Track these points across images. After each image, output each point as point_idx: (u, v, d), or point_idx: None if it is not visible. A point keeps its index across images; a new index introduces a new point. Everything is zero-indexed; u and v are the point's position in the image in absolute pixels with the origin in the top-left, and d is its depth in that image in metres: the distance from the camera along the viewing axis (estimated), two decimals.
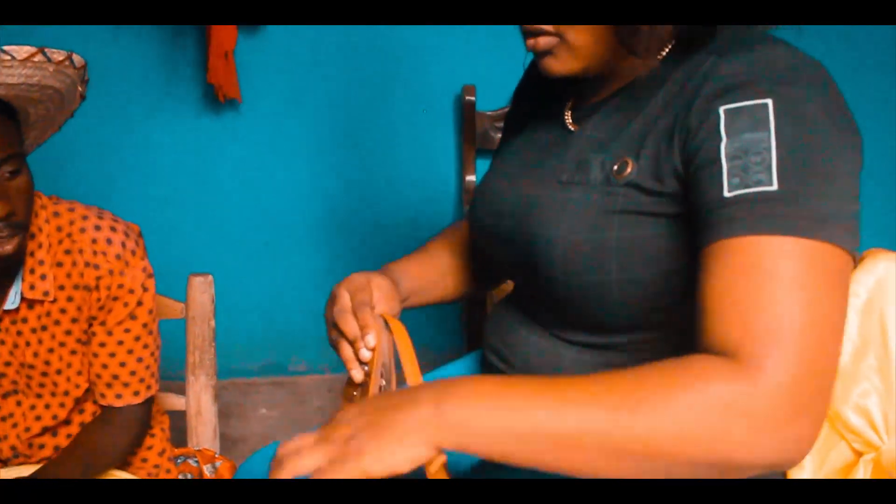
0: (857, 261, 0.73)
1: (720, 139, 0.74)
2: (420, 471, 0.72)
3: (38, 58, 1.01)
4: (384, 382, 0.91)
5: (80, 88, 1.13)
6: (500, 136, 1.17)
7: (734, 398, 0.65)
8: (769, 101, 0.73)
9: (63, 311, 1.19)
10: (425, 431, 0.69)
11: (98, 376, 1.23)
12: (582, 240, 0.84)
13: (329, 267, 2.45)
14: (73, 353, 1.22)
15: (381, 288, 0.98)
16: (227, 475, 1.38)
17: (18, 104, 1.08)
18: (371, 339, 0.88)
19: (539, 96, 1.04)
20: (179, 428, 1.44)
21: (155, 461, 1.35)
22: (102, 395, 1.24)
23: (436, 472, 0.70)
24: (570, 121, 0.95)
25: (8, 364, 1.21)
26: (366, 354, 0.88)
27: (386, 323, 0.94)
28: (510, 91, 1.15)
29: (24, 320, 1.19)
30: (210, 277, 1.38)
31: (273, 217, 2.44)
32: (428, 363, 1.05)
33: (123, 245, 1.19)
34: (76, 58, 1.07)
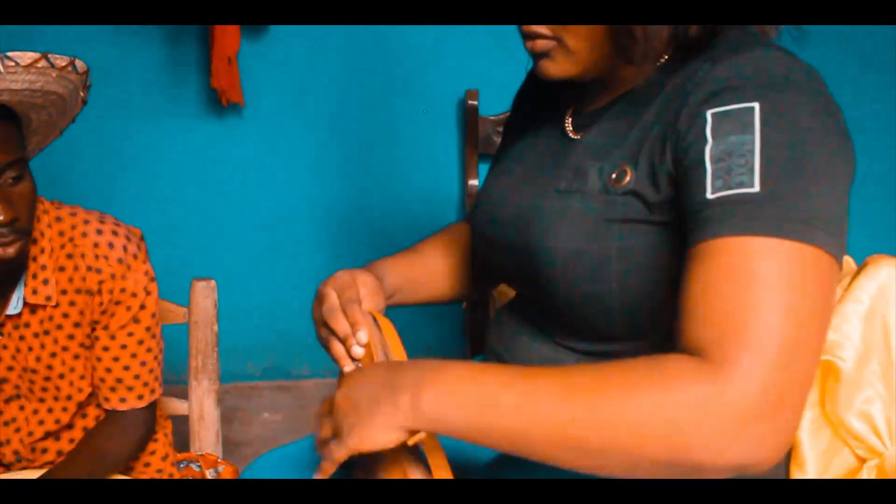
0: (842, 266, 0.72)
1: (706, 142, 0.74)
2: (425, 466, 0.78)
3: (42, 63, 1.02)
4: None
5: (82, 93, 1.14)
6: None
7: (700, 398, 0.64)
8: (756, 105, 0.73)
9: (65, 315, 1.19)
10: (401, 421, 0.74)
11: (101, 380, 1.24)
12: (582, 249, 0.83)
13: (332, 271, 2.42)
14: (76, 357, 1.22)
15: (366, 284, 0.99)
16: None
17: (21, 110, 1.08)
18: (363, 336, 0.89)
19: (540, 102, 1.04)
20: (182, 432, 1.44)
21: (158, 466, 1.35)
22: (106, 399, 1.24)
23: (413, 443, 0.76)
24: (571, 128, 0.95)
25: (10, 368, 1.21)
26: (358, 351, 0.88)
27: (374, 319, 0.94)
28: (513, 96, 1.15)
29: (27, 325, 1.19)
30: (213, 282, 1.38)
31: (275, 221, 2.44)
32: None
33: (125, 249, 1.19)
34: (79, 63, 1.07)
